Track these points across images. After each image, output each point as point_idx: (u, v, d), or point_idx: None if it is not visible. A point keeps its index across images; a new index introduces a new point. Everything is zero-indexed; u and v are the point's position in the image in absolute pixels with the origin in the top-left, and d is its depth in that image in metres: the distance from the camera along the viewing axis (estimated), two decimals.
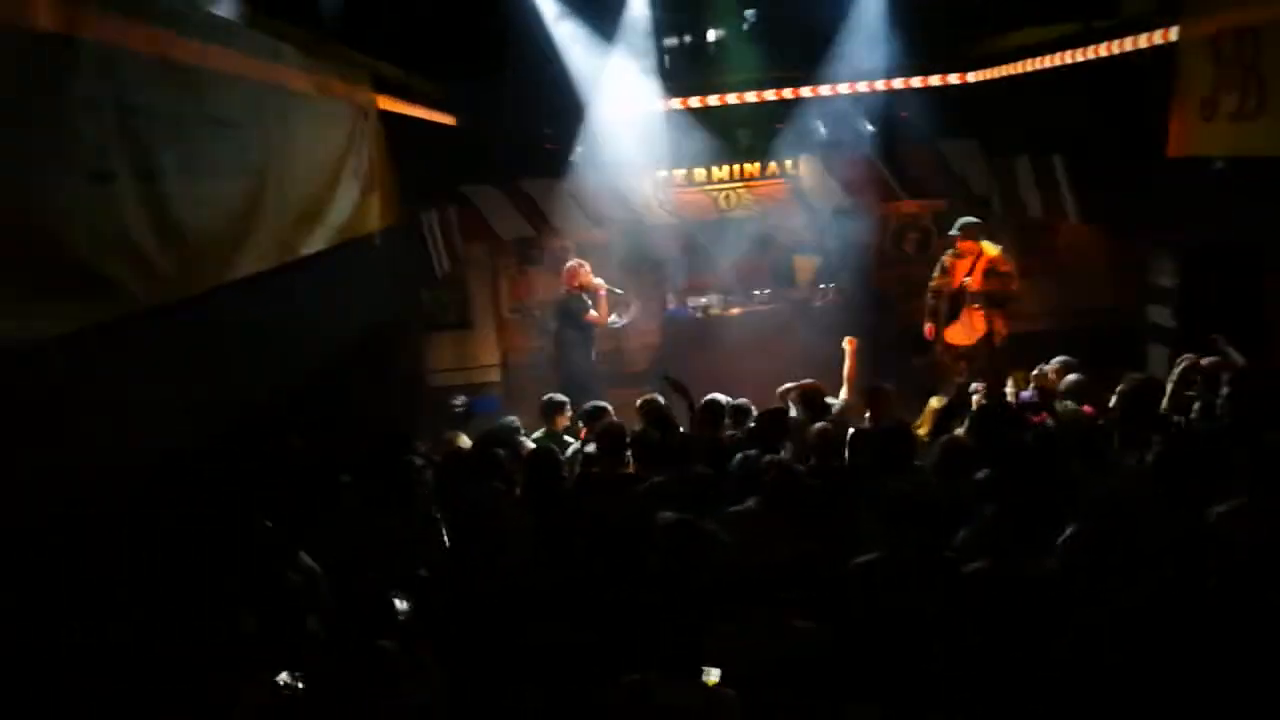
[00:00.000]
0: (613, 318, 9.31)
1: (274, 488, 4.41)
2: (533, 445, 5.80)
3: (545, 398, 6.57)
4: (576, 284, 8.68)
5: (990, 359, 8.40)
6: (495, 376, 10.84)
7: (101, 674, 3.03)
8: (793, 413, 5.79)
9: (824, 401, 5.96)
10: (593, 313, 8.65)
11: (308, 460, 5.00)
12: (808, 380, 6.18)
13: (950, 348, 8.72)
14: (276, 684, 3.08)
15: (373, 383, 7.78)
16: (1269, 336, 7.09)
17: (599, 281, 8.75)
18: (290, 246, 4.96)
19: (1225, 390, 5.44)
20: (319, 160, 5.52)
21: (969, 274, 8.46)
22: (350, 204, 5.97)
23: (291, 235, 4.99)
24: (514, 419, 6.54)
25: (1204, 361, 5.97)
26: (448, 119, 9.05)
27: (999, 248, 8.45)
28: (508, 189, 10.09)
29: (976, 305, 8.53)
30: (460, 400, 10.18)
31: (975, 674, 3.14)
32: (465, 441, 6.13)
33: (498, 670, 3.28)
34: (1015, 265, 8.55)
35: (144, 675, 3.13)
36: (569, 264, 8.88)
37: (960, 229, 8.45)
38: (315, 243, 5.33)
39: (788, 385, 6.22)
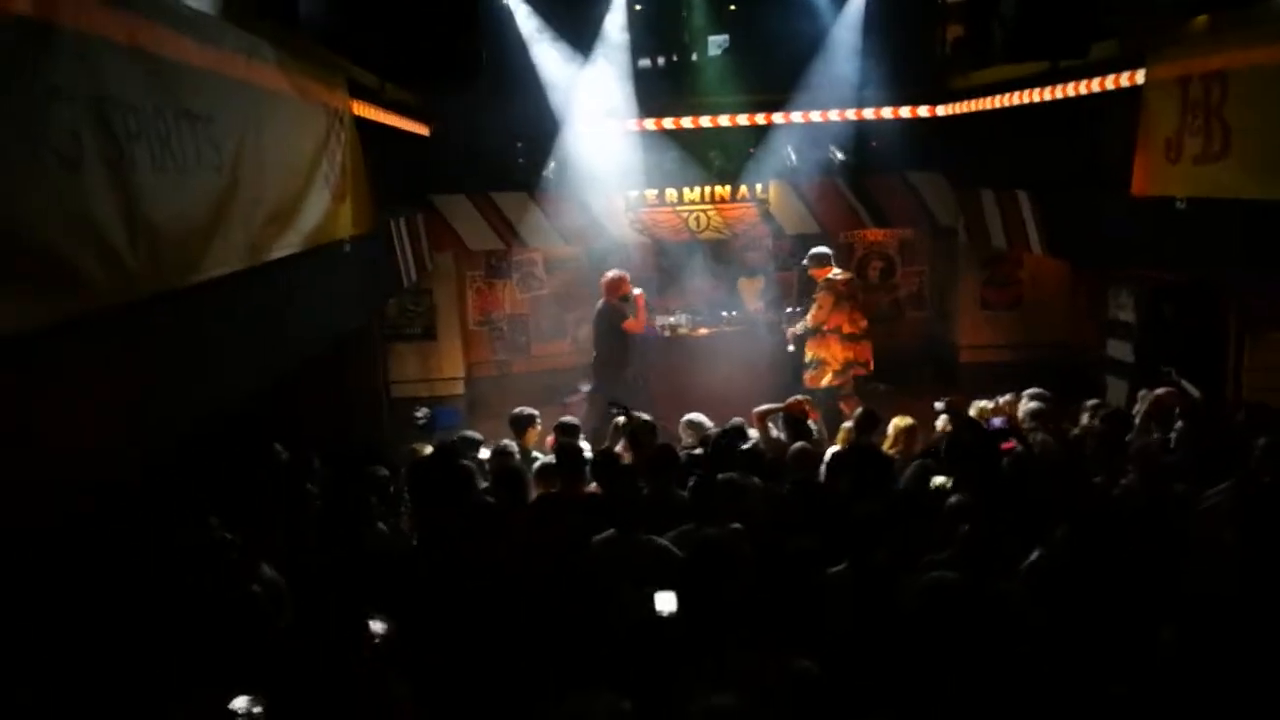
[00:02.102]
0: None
1: (243, 496, 4.27)
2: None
3: (514, 411, 6.47)
4: (619, 294, 8.55)
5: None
6: (459, 389, 10.70)
7: (57, 686, 2.88)
8: (775, 433, 5.77)
9: (807, 422, 5.96)
10: (631, 320, 8.53)
11: (283, 470, 4.86)
12: (793, 399, 6.18)
13: None
14: (234, 711, 2.82)
15: (335, 392, 7.64)
16: (1229, 372, 7.24)
17: (639, 291, 8.65)
18: (259, 249, 4.82)
19: (1180, 425, 5.55)
20: (291, 162, 5.40)
21: None
22: (321, 208, 5.85)
23: (261, 237, 4.85)
24: (474, 433, 6.43)
25: (1159, 393, 6.10)
26: (421, 128, 8.97)
27: (830, 277, 8.63)
28: (478, 200, 10.02)
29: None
30: (423, 412, 10.04)
31: (949, 685, 3.13)
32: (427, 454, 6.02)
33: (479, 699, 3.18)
34: (828, 299, 8.60)
35: (96, 689, 2.99)
36: (612, 274, 8.69)
37: (808, 259, 8.84)
38: (285, 246, 5.20)
39: (765, 406, 6.21)
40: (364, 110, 7.01)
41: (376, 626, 3.08)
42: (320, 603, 3.31)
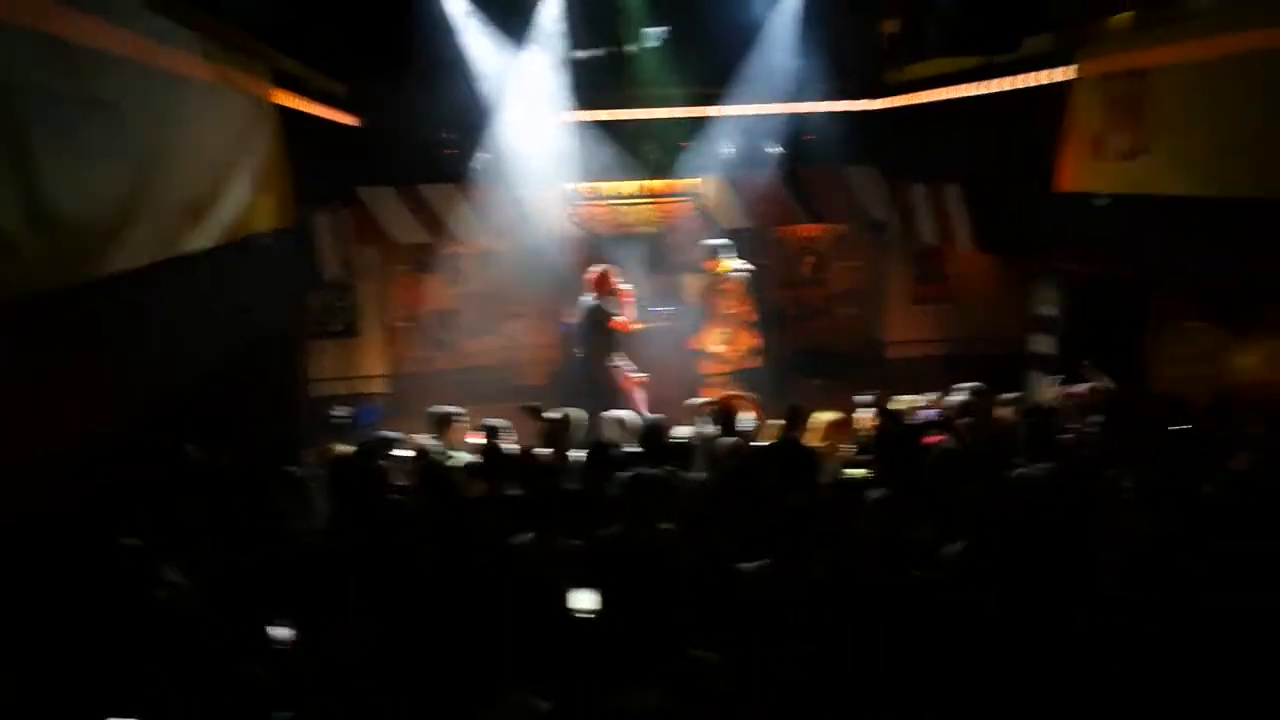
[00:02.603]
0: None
1: (152, 498, 4.10)
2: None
3: (431, 409, 6.27)
4: (606, 289, 8.26)
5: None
6: (380, 387, 10.48)
7: None
8: (705, 428, 5.75)
9: (735, 418, 5.94)
10: (619, 318, 8.30)
11: (199, 471, 4.69)
12: (723, 394, 6.16)
13: None
14: None
15: (252, 391, 7.40)
16: (1148, 366, 7.42)
17: (626, 286, 8.41)
18: (173, 242, 4.66)
19: (1092, 418, 5.67)
20: (209, 152, 5.23)
21: None
22: (240, 201, 5.66)
23: (175, 230, 4.69)
24: (391, 432, 6.24)
25: (1079, 388, 6.22)
26: (348, 118, 8.75)
27: (739, 266, 8.74)
28: (405, 194, 9.81)
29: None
30: (343, 411, 9.80)
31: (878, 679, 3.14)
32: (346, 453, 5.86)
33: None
34: (739, 287, 8.72)
35: None
36: (598, 268, 8.40)
37: (706, 251, 8.91)
38: (200, 240, 5.03)
39: (697, 400, 6.18)
40: (288, 100, 6.81)
41: (281, 632, 2.98)
42: (228, 607, 3.18)
